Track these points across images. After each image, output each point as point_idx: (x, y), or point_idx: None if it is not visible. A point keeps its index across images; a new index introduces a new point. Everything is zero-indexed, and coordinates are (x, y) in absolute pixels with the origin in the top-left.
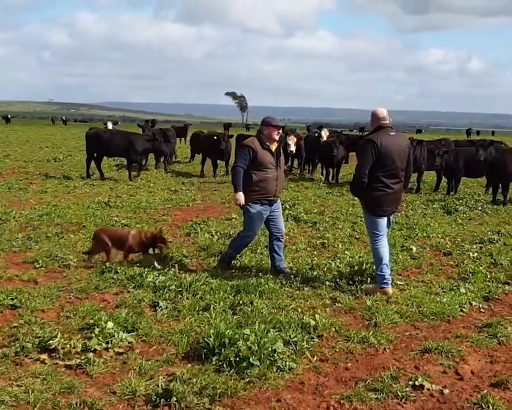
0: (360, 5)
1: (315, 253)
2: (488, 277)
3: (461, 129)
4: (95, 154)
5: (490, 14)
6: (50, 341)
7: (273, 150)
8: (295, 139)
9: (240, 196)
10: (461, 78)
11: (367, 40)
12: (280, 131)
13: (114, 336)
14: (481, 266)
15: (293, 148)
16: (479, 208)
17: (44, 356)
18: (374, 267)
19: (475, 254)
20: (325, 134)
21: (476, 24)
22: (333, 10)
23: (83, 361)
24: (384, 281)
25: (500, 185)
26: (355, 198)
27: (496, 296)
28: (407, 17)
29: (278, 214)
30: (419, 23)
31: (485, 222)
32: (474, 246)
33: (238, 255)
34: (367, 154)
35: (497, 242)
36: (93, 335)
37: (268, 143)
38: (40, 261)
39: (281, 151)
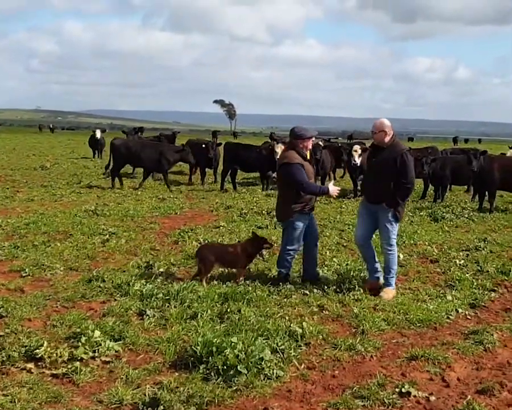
0: (348, 14)
1: (301, 259)
2: (475, 284)
3: (448, 137)
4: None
5: (476, 23)
6: (37, 350)
7: (308, 158)
8: (283, 148)
9: (332, 187)
10: (448, 86)
11: (355, 48)
12: (313, 138)
13: (100, 345)
14: (467, 273)
15: None
16: (466, 216)
17: (30, 365)
18: (389, 273)
19: (462, 261)
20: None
21: (463, 33)
22: (321, 19)
23: (69, 370)
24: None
25: (486, 193)
26: (343, 205)
27: (483, 304)
28: (394, 25)
29: (314, 221)
30: (407, 31)
31: (472, 229)
32: (461, 253)
33: (290, 270)
34: (412, 162)
35: (483, 249)
36: (80, 343)
37: (305, 154)
38: (26, 270)
39: (312, 156)
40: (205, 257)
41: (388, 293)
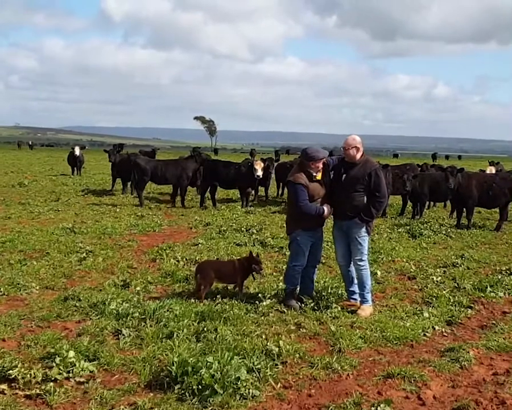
0: (328, 32)
1: (281, 278)
2: (452, 301)
3: (427, 153)
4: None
5: (456, 41)
6: (10, 371)
7: (320, 179)
8: (262, 165)
9: (327, 207)
10: (428, 104)
11: (335, 66)
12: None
13: (75, 365)
14: (444, 290)
15: (260, 173)
16: (444, 232)
17: (3, 386)
18: (363, 289)
19: (439, 278)
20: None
21: (443, 51)
22: (301, 37)
23: (43, 391)
24: (371, 297)
25: (464, 209)
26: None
27: (459, 321)
28: (374, 43)
29: (320, 243)
30: (386, 49)
31: (449, 246)
32: (438, 270)
33: (297, 286)
34: (383, 177)
35: (460, 266)
36: (54, 364)
37: (315, 175)
38: (1, 289)
39: (329, 175)
40: (205, 274)
41: (366, 310)
